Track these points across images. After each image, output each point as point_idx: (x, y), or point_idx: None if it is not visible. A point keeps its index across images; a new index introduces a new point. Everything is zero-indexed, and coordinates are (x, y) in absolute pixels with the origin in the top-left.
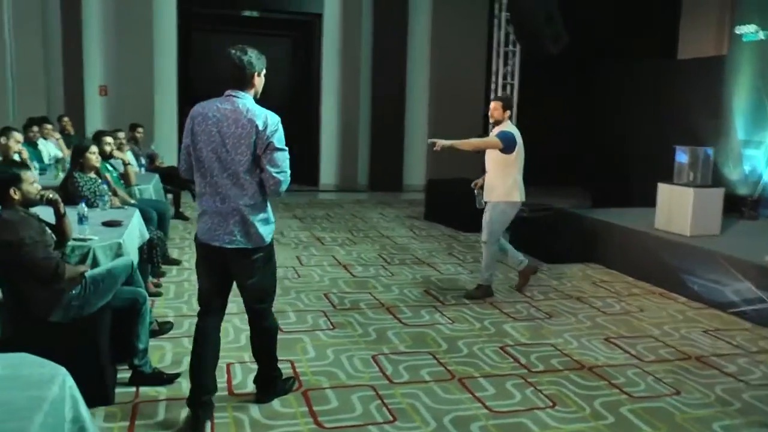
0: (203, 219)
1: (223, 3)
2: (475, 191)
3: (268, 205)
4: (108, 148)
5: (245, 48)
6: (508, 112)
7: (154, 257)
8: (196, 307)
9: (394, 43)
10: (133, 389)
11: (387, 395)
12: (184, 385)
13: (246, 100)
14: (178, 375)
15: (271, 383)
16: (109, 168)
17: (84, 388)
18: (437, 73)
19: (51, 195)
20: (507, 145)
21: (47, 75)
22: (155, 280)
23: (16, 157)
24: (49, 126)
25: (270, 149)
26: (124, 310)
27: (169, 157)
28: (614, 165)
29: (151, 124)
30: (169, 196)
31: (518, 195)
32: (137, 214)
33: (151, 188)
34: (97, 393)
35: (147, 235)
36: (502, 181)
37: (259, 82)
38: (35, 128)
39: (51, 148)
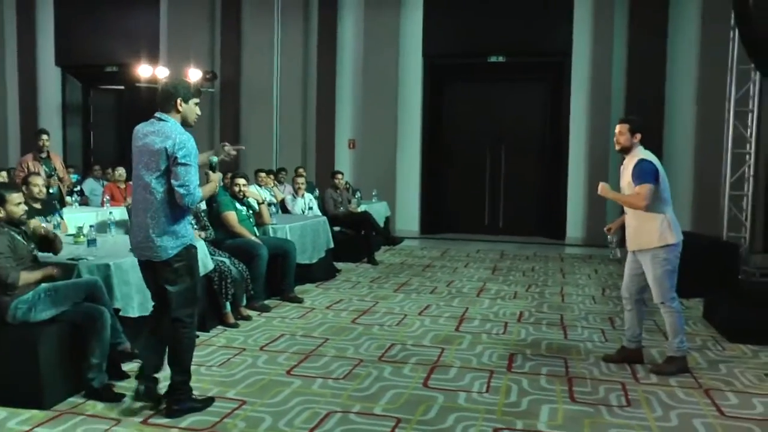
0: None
1: (469, 52)
2: (608, 237)
3: (180, 220)
4: (236, 188)
5: (174, 78)
6: (638, 136)
7: (223, 288)
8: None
9: (650, 82)
10: (77, 400)
11: None
12: (126, 406)
13: (168, 123)
14: (123, 395)
15: (174, 392)
16: (238, 206)
17: (19, 389)
18: (703, 114)
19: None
20: (648, 179)
21: (303, 130)
22: (246, 312)
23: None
24: (263, 175)
25: (174, 164)
26: (81, 325)
27: (409, 208)
28: None
29: (393, 175)
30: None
31: (673, 236)
32: (200, 246)
33: (288, 228)
34: (30, 395)
35: (210, 266)
36: (653, 223)
37: (187, 108)
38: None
39: (264, 192)
